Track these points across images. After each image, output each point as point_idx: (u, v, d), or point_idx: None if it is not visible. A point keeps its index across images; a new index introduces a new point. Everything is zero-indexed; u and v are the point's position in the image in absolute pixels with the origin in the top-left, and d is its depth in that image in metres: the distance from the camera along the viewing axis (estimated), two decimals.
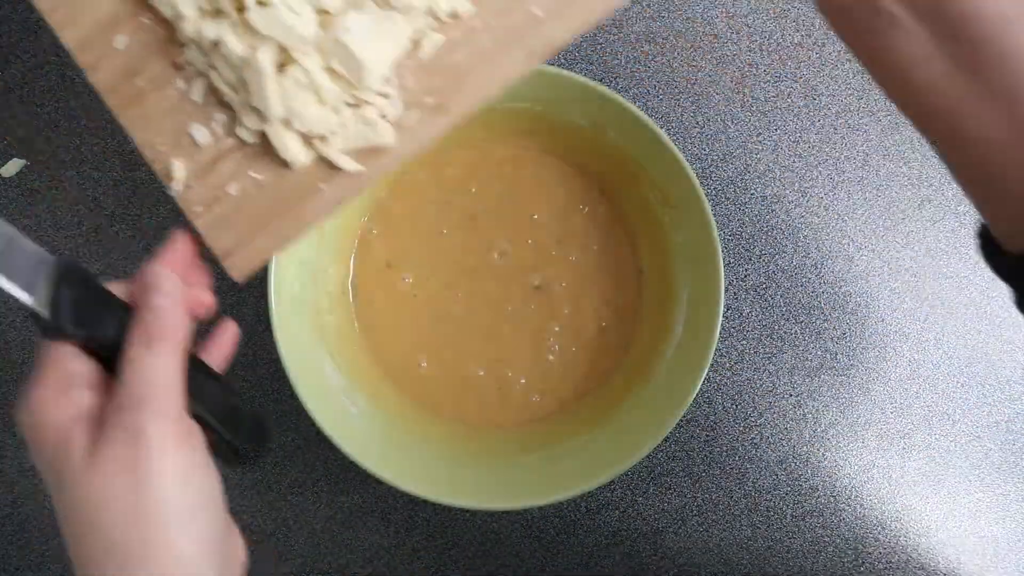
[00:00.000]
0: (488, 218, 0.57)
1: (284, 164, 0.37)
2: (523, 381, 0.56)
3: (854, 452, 0.59)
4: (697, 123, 0.60)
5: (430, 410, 0.56)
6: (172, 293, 0.30)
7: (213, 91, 0.37)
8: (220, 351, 0.39)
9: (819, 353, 0.59)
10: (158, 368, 0.28)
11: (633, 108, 0.50)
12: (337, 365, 0.52)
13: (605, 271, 0.57)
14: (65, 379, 0.28)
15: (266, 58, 0.33)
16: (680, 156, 0.50)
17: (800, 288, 0.60)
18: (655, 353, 0.54)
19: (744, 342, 0.59)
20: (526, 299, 0.57)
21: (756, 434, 0.59)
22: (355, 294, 0.56)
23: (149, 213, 0.58)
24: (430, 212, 0.57)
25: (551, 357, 0.56)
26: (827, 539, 0.58)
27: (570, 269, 0.56)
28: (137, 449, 0.26)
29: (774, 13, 0.61)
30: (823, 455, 0.59)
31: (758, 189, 0.60)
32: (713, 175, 0.60)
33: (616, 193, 0.57)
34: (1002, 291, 0.37)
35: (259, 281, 0.58)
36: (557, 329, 0.56)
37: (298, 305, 0.51)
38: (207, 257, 0.38)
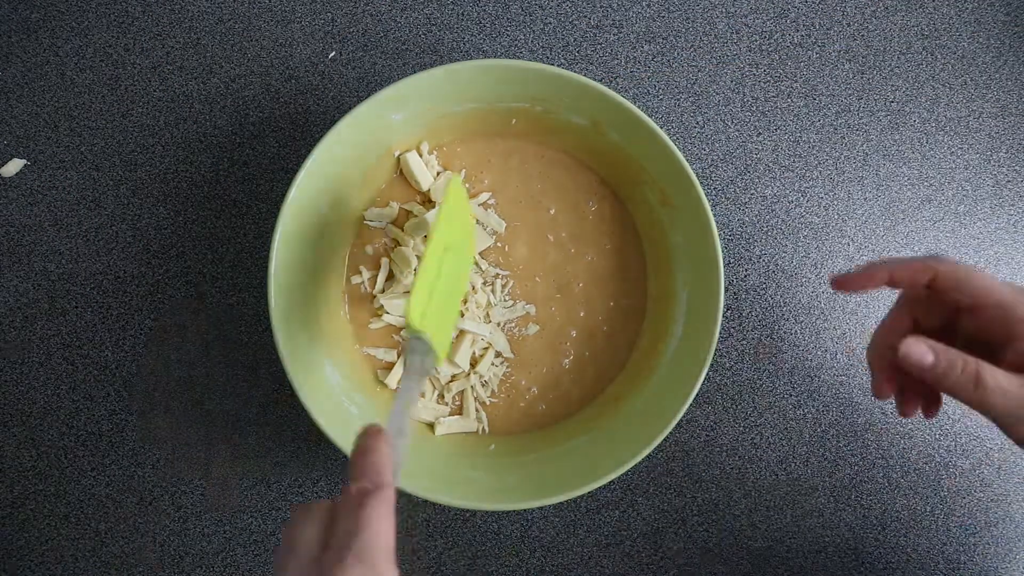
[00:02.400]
0: (504, 210, 0.56)
1: None
2: (534, 391, 0.56)
3: (854, 452, 0.59)
4: (697, 123, 0.60)
5: None
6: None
7: None
8: None
9: (819, 353, 0.59)
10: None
11: (633, 108, 0.50)
12: (337, 365, 0.52)
13: (617, 271, 0.56)
14: None
15: None
16: (680, 156, 0.51)
17: (800, 288, 0.60)
18: (655, 353, 0.54)
19: (744, 342, 0.59)
20: (548, 300, 0.56)
21: (756, 434, 0.59)
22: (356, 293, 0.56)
23: (149, 213, 0.58)
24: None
25: (566, 363, 0.56)
26: (827, 539, 0.58)
27: (586, 269, 0.56)
28: None
29: (774, 13, 0.61)
30: (823, 455, 0.59)
31: (758, 189, 0.60)
32: (713, 175, 0.60)
33: (618, 192, 0.57)
34: None
35: (259, 281, 0.58)
36: (574, 334, 0.56)
37: (298, 305, 0.50)
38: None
